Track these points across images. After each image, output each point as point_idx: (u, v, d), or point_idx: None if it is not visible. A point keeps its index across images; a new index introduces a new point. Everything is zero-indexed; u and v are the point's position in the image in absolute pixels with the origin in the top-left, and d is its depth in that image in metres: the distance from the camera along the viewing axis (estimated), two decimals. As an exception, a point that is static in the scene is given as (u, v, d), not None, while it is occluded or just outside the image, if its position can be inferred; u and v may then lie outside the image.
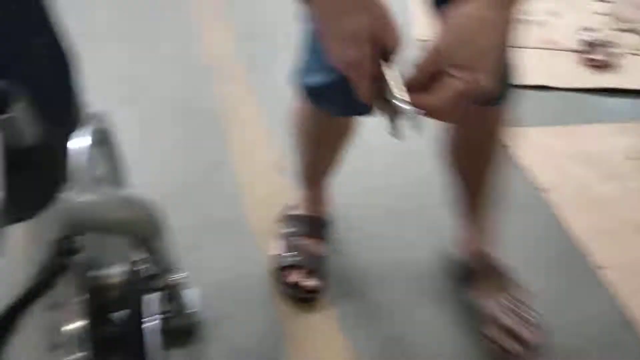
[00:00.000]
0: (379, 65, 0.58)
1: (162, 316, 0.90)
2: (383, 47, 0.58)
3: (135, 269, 0.85)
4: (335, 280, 1.44)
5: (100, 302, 0.83)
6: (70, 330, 0.65)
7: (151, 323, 0.91)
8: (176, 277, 0.89)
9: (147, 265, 0.89)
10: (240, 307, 1.39)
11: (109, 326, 0.85)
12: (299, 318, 1.37)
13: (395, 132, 0.58)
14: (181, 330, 1.31)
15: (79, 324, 0.66)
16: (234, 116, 1.99)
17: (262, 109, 2.02)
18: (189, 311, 1.32)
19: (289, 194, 1.58)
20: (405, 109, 0.55)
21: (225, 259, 1.51)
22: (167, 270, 0.92)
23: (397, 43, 0.59)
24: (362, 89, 0.59)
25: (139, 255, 0.90)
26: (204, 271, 1.41)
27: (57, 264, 0.53)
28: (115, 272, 0.86)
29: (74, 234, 0.57)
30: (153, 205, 0.79)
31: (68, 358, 0.63)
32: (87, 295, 0.72)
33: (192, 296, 1.34)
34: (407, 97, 0.56)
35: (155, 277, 0.88)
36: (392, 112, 0.57)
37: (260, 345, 1.31)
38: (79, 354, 0.63)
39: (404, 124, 0.57)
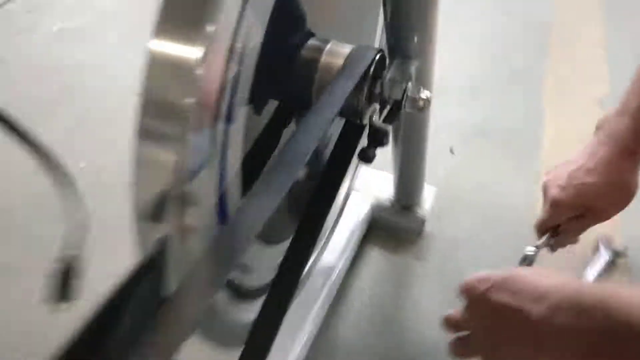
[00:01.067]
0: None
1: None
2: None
3: (372, 55, 0.52)
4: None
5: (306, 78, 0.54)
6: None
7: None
8: (422, 95, 0.52)
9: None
10: (471, 229, 1.00)
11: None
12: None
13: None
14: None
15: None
16: (570, 31, 1.50)
17: (609, 31, 1.49)
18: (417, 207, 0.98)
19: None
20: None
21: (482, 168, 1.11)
22: (412, 82, 0.56)
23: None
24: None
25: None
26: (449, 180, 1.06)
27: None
28: (342, 49, 0.54)
29: None
30: None
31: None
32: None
33: (427, 193, 0.99)
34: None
35: (391, 83, 0.53)
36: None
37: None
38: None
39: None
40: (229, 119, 0.42)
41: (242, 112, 0.45)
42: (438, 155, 1.13)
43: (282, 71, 0.55)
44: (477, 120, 1.24)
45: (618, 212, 0.68)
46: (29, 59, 1.45)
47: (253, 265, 0.60)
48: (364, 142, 0.57)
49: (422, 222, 0.97)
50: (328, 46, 0.56)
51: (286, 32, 0.54)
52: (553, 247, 0.73)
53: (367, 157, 0.51)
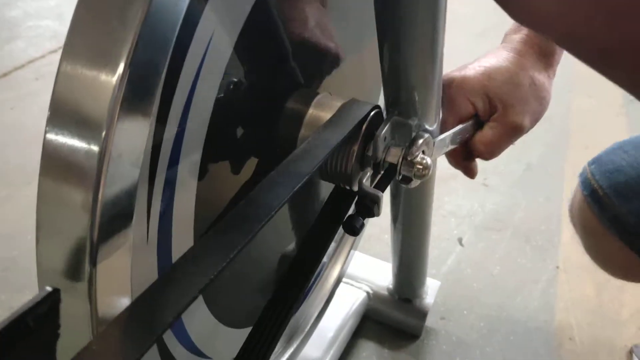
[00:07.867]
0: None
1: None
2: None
3: (366, 110, 0.45)
4: None
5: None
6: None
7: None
8: (421, 160, 0.44)
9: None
10: (479, 331, 0.86)
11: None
12: None
13: None
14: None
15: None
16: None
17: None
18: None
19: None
20: None
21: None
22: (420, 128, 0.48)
23: None
24: None
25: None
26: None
27: None
28: (333, 102, 0.47)
29: None
30: None
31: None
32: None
33: (430, 287, 0.88)
34: None
35: (386, 143, 0.45)
36: None
37: None
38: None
39: None
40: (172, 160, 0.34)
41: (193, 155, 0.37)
42: (446, 246, 1.04)
43: (264, 125, 0.48)
44: (489, 209, 1.14)
45: (533, 120, 0.58)
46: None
47: (211, 349, 0.49)
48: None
49: (423, 316, 0.85)
50: (317, 97, 0.49)
51: (268, 82, 0.47)
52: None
53: (352, 227, 0.42)
